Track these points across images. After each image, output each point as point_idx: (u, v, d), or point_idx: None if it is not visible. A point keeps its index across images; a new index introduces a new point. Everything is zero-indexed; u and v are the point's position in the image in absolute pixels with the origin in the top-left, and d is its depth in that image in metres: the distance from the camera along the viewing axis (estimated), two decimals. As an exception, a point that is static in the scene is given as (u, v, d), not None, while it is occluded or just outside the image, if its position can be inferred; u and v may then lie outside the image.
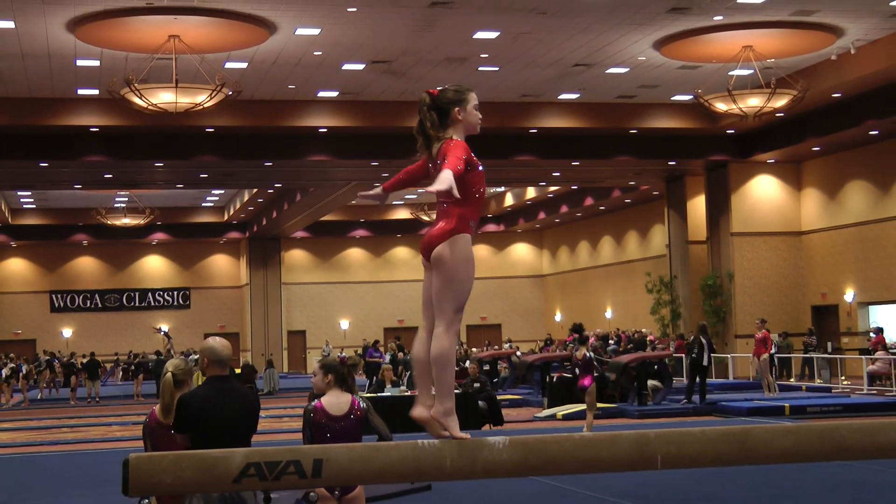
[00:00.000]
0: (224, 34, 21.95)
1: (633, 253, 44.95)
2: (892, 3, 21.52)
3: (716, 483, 12.20)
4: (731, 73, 24.78)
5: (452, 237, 4.50)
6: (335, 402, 7.16)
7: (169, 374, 6.58)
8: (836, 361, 29.37)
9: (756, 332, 25.12)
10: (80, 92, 26.55)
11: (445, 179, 4.26)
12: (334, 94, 27.52)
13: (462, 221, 4.52)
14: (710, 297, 33.57)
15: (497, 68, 25.67)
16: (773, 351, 25.90)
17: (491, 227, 51.43)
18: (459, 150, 4.47)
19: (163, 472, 3.96)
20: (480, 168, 4.59)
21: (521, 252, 54.11)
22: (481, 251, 52.72)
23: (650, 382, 23.78)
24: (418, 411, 4.50)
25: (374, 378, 24.41)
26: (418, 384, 4.64)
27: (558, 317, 51.47)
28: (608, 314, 46.40)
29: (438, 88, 4.69)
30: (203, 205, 48.81)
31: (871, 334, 29.08)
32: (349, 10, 20.84)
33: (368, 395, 18.28)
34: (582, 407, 22.07)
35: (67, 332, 50.66)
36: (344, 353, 27.24)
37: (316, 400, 7.26)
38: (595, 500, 11.59)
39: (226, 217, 49.32)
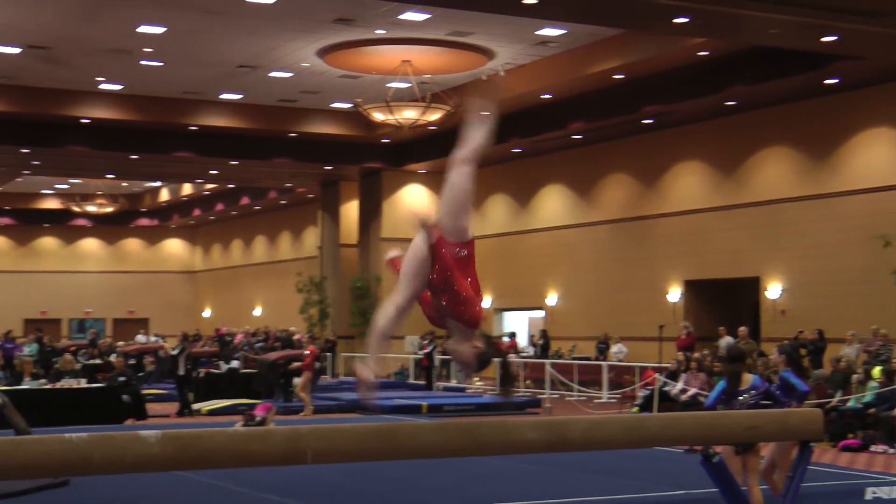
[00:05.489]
0: None
1: (285, 253, 45.38)
2: (536, 33, 22.82)
3: (365, 478, 12.40)
4: (389, 84, 25.37)
5: None
6: None
7: None
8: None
9: (305, 348, 22.93)
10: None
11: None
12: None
13: None
14: (359, 298, 34.19)
15: (161, 63, 25.46)
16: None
17: (144, 222, 50.81)
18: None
19: None
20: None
21: (174, 247, 53.49)
22: (132, 245, 52.03)
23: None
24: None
25: (11, 370, 23.66)
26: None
27: (207, 312, 51.30)
28: (257, 312, 46.55)
29: None
30: None
31: (506, 338, 30.69)
32: (6, -10, 20.20)
33: (3, 388, 17.82)
34: (223, 403, 22.34)
35: None
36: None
37: None
38: (240, 494, 11.59)
39: None
